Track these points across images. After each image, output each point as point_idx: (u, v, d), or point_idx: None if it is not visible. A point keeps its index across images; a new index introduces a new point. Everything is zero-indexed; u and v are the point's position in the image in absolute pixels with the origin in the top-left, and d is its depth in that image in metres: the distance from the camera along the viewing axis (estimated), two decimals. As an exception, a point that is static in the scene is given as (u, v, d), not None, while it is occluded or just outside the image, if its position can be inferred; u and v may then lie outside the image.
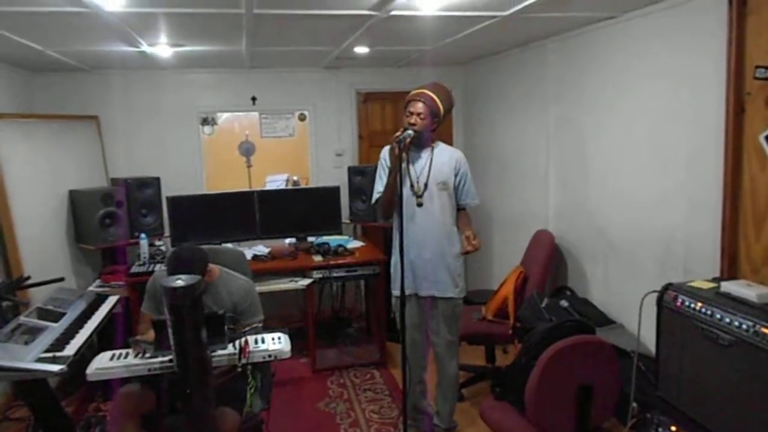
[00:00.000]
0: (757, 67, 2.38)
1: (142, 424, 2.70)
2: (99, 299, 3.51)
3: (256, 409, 2.83)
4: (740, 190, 2.52)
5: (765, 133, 2.37)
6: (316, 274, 4.31)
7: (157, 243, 4.55)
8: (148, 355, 2.52)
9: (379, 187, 3.23)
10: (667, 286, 2.44)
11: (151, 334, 2.65)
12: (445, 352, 3.29)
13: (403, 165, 3.07)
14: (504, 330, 3.72)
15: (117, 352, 2.59)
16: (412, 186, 3.13)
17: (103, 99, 4.87)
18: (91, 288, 4.03)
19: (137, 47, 3.73)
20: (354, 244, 4.80)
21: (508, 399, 2.85)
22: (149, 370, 2.49)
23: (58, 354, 2.65)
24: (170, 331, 2.19)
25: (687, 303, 2.31)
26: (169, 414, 2.70)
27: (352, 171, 4.92)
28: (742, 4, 2.43)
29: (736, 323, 2.07)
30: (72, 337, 2.89)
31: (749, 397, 2.02)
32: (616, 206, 3.47)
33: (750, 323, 2.02)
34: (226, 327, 2.54)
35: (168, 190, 4.64)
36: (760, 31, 2.38)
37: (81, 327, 3.05)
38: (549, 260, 3.89)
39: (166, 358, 2.45)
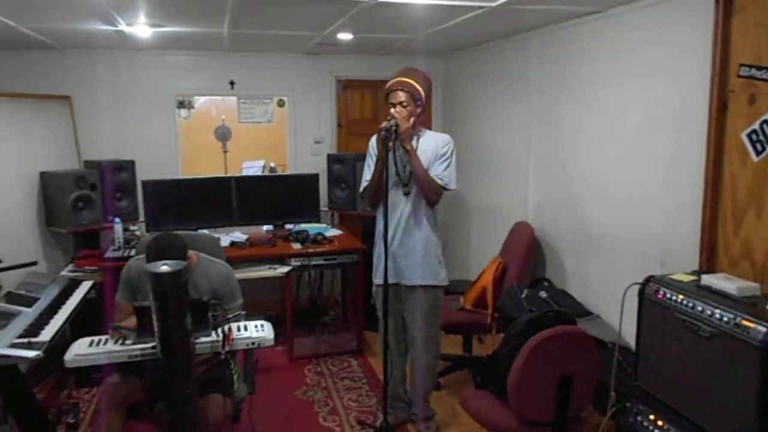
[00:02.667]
0: (741, 65, 2.43)
1: (129, 415, 2.64)
2: (73, 284, 3.43)
3: (241, 394, 2.81)
4: (721, 185, 2.58)
5: (747, 131, 2.43)
6: (295, 262, 4.28)
7: (132, 228, 4.46)
8: (128, 341, 2.47)
9: (367, 175, 3.21)
10: (649, 279, 2.48)
11: (132, 321, 2.60)
12: (423, 342, 3.30)
13: (390, 153, 3.05)
14: (482, 320, 3.76)
15: (96, 338, 2.53)
16: (398, 174, 3.12)
17: (77, 79, 4.73)
18: (63, 272, 3.92)
19: (115, 26, 3.62)
20: (332, 232, 4.78)
21: (488, 388, 2.88)
22: (130, 357, 2.43)
23: (33, 339, 2.59)
24: (154, 317, 2.14)
25: (668, 295, 2.35)
26: (156, 403, 2.65)
27: (332, 159, 4.89)
28: (729, 2, 2.47)
29: (717, 315, 2.12)
30: (47, 322, 2.83)
31: (728, 387, 2.07)
32: (596, 199, 3.52)
33: (731, 315, 2.07)
34: (210, 314, 2.50)
35: (143, 174, 4.54)
36: (745, 30, 2.42)
37: (56, 312, 2.99)
38: (528, 252, 3.93)
39: (148, 345, 2.40)
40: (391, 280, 3.16)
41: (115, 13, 3.24)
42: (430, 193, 3.10)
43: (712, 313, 2.14)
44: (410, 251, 3.17)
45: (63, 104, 4.66)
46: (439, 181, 3.10)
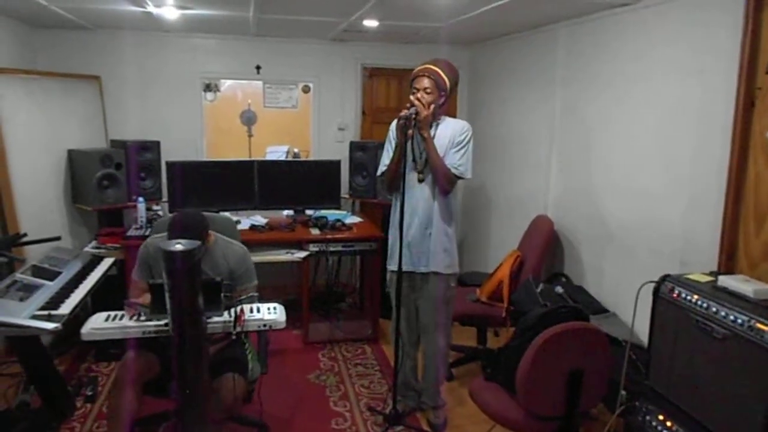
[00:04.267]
0: (771, 62, 2.36)
1: (145, 390, 2.71)
2: (95, 260, 3.51)
3: (255, 374, 2.85)
4: (744, 185, 2.52)
5: (773, 130, 2.37)
6: (313, 248, 4.31)
7: (155, 207, 4.54)
8: (143, 318, 2.53)
9: (385, 160, 3.21)
10: (665, 278, 2.44)
11: (146, 298, 2.65)
12: (434, 330, 3.30)
13: (408, 141, 3.04)
14: (497, 312, 3.75)
15: (112, 313, 2.59)
16: (414, 161, 3.11)
17: (106, 59, 4.81)
18: (87, 249, 4.02)
19: (143, 7, 3.67)
20: (352, 219, 4.79)
21: (498, 380, 2.87)
22: (144, 333, 2.49)
23: (53, 312, 2.66)
24: (167, 295, 2.18)
25: (683, 295, 2.31)
26: (172, 380, 2.70)
27: (354, 146, 4.89)
28: (760, -3, 2.40)
29: (732, 317, 2.08)
30: (67, 296, 2.90)
31: (739, 390, 2.04)
32: (616, 196, 3.47)
33: (745, 318, 2.03)
34: (222, 294, 2.53)
35: (167, 155, 4.60)
36: (776, 26, 2.35)
37: (76, 287, 3.06)
38: (546, 246, 3.90)
39: (161, 322, 2.45)
40: (406, 269, 3.18)
41: (143, -6, 3.28)
42: (444, 181, 3.08)
43: (727, 315, 2.10)
44: (425, 239, 3.17)
45: (93, 84, 4.74)
46: (453, 170, 3.07)
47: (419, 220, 3.16)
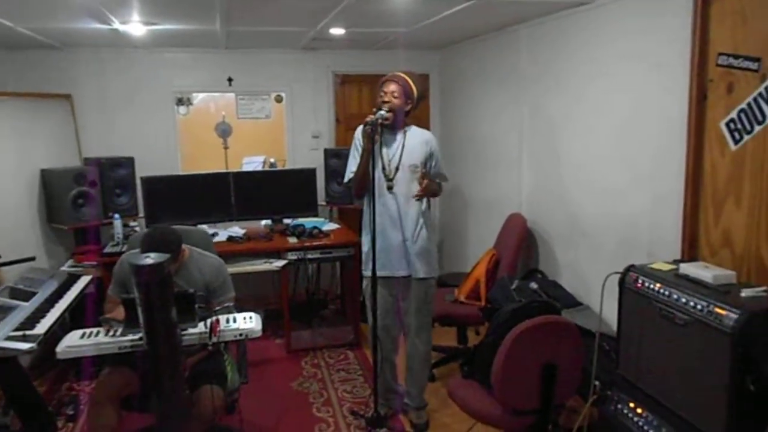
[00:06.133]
0: (720, 54, 2.44)
1: (126, 407, 2.71)
2: (71, 279, 3.51)
3: (235, 384, 2.87)
4: (701, 175, 2.59)
5: (725, 120, 2.43)
6: (291, 256, 4.33)
7: (131, 224, 4.53)
8: (118, 333, 2.54)
9: (352, 167, 3.24)
10: (629, 268, 2.50)
11: (120, 312, 2.66)
12: (416, 332, 3.34)
13: (376, 147, 3.08)
14: (476, 311, 3.78)
15: (87, 330, 2.60)
16: (383, 168, 3.15)
17: (77, 77, 4.81)
18: (63, 268, 4.01)
19: (109, 24, 3.68)
20: (329, 226, 4.82)
21: (475, 377, 2.92)
22: (119, 348, 2.50)
23: (28, 332, 2.66)
24: (139, 309, 2.20)
25: (647, 284, 2.37)
26: (150, 394, 2.72)
27: (329, 153, 4.93)
28: (707, -9, 2.48)
29: (692, 303, 2.13)
30: (43, 316, 2.90)
31: (702, 374, 2.09)
32: (585, 191, 3.53)
33: (704, 303, 2.08)
34: (196, 305, 2.55)
35: (142, 171, 4.61)
36: (723, 18, 2.43)
37: (52, 306, 3.06)
38: (521, 243, 3.96)
39: (136, 337, 2.46)
40: (383, 274, 3.21)
41: (107, 11, 3.29)
42: (437, 194, 3.36)
43: (687, 302, 2.16)
44: (402, 243, 3.21)
45: (64, 102, 4.74)
46: (443, 181, 3.34)
47: (394, 224, 3.19)
